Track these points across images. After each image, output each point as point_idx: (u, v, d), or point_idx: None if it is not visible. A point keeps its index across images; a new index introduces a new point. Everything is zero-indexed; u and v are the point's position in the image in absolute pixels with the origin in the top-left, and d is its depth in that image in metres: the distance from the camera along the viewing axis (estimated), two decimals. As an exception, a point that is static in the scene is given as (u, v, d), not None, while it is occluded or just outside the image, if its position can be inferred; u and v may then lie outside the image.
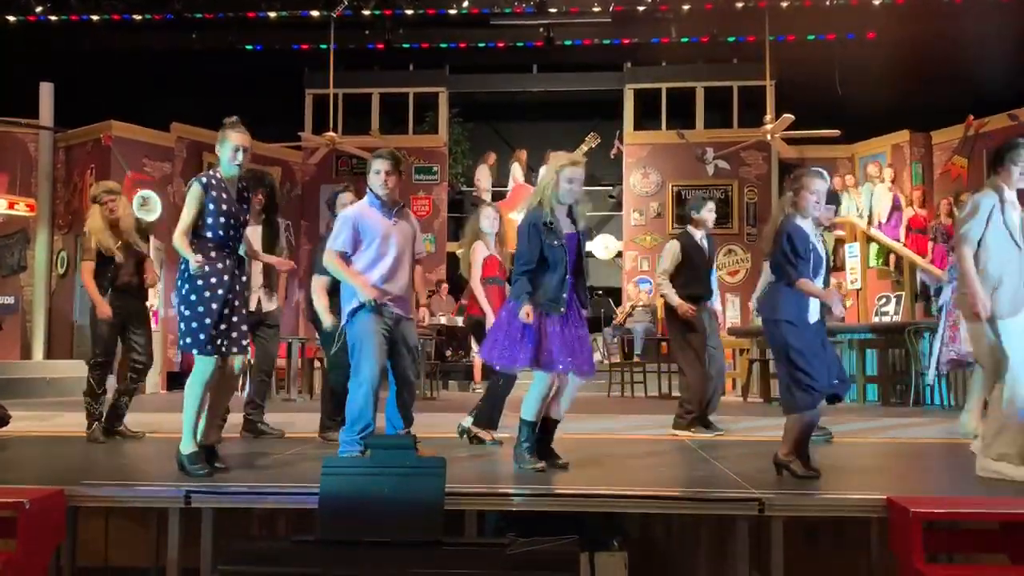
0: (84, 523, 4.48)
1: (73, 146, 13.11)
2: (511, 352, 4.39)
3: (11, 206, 12.36)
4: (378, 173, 4.69)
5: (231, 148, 4.32)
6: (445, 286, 13.54)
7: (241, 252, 4.54)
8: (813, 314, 4.22)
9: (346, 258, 4.63)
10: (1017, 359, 4.16)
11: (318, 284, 5.55)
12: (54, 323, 12.98)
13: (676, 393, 6.57)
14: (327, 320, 5.14)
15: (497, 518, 4.20)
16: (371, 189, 4.74)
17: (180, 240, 4.24)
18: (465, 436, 5.63)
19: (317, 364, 11.47)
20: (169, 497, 3.85)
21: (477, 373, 11.96)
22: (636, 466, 4.70)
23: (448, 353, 13.18)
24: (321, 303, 5.30)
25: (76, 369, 11.72)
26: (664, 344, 10.21)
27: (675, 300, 6.19)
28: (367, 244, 4.66)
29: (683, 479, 4.43)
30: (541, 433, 4.56)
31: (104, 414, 5.77)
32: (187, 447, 4.25)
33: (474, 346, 12.15)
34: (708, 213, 6.39)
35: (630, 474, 4.46)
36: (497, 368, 4.69)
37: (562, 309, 4.41)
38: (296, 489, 3.89)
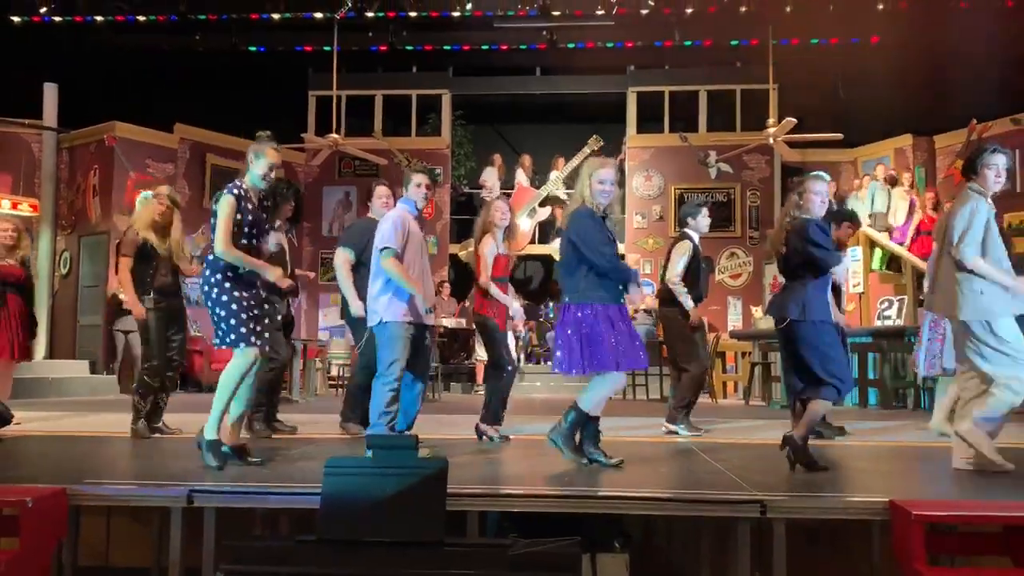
0: (86, 522, 4.49)
1: (76, 147, 13.15)
2: (599, 358, 4.35)
3: (15, 206, 12.41)
4: (420, 186, 5.05)
5: (267, 166, 4.43)
6: (447, 287, 13.55)
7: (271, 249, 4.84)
8: (832, 315, 4.52)
9: (400, 258, 4.80)
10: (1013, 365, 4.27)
11: (342, 258, 5.60)
12: (57, 323, 13.00)
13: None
14: (355, 305, 5.21)
15: (499, 519, 4.20)
16: (411, 200, 5.05)
17: (228, 249, 4.29)
18: (484, 439, 5.67)
19: (319, 365, 11.50)
20: (171, 496, 3.85)
21: (480, 375, 11.96)
22: (638, 468, 4.70)
23: (450, 356, 13.19)
24: (348, 281, 5.40)
25: (78, 369, 11.77)
26: (665, 347, 10.21)
27: (690, 304, 6.26)
28: (411, 252, 4.87)
29: (685, 481, 4.43)
30: (593, 432, 4.63)
31: (148, 410, 5.83)
32: (211, 433, 4.36)
33: (477, 348, 12.18)
34: (704, 219, 6.48)
35: (632, 476, 4.45)
36: (584, 373, 4.50)
37: (622, 298, 4.50)
38: (299, 489, 3.89)
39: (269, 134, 4.51)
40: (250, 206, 4.42)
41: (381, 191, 6.04)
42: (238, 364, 4.38)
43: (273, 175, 4.47)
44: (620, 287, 4.50)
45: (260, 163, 4.42)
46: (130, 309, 5.95)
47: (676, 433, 6.22)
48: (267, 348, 4.48)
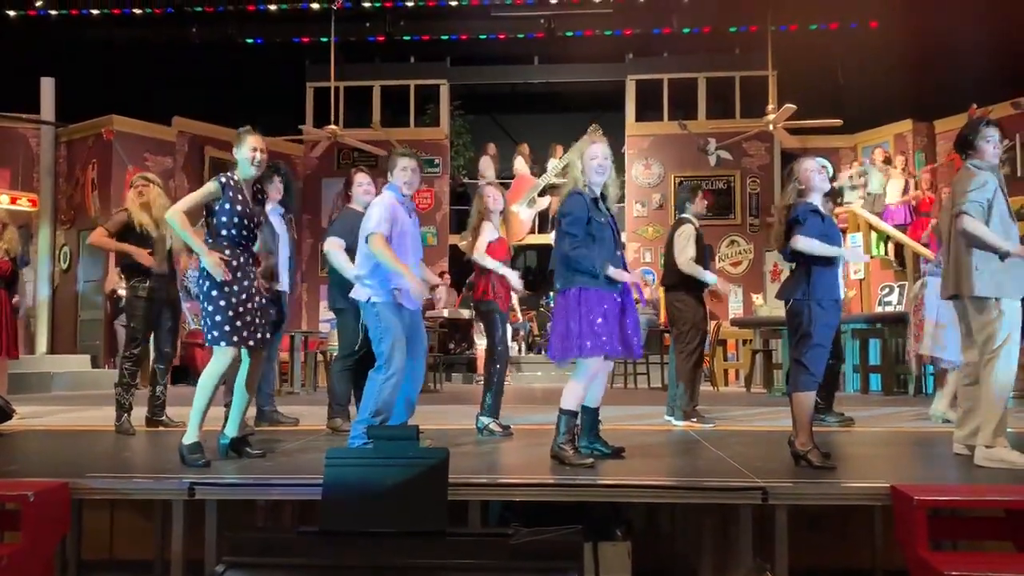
0: (89, 516, 4.50)
1: (75, 141, 13.12)
2: (589, 341, 4.21)
3: (13, 201, 12.38)
4: (405, 170, 4.83)
5: (249, 147, 4.44)
6: (447, 278, 13.52)
7: (255, 249, 4.67)
8: (841, 291, 4.47)
9: (387, 243, 4.63)
10: (1011, 341, 4.17)
11: (335, 244, 5.45)
12: (57, 318, 13.01)
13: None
14: (351, 273, 5.02)
15: (501, 508, 4.20)
16: (396, 186, 4.82)
17: (177, 216, 4.33)
18: (485, 432, 5.60)
19: (320, 357, 11.49)
20: (173, 489, 3.85)
21: (480, 365, 11.96)
22: (639, 456, 4.70)
23: (451, 345, 13.19)
24: (345, 262, 5.25)
25: (80, 364, 11.78)
26: (667, 336, 10.21)
27: (711, 278, 6.22)
28: (399, 239, 4.71)
29: (686, 469, 4.43)
30: (591, 422, 4.60)
31: (132, 405, 5.79)
32: (190, 438, 4.29)
33: (477, 339, 12.17)
34: (700, 202, 6.47)
35: (633, 464, 4.45)
36: (579, 359, 4.31)
37: (619, 286, 4.35)
38: (300, 480, 3.89)
39: (249, 127, 4.51)
40: (240, 197, 4.40)
41: (361, 178, 5.90)
42: (216, 365, 4.35)
43: (260, 157, 4.43)
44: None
45: (243, 148, 4.43)
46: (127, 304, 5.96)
47: (702, 418, 6.20)
48: (251, 343, 4.42)
